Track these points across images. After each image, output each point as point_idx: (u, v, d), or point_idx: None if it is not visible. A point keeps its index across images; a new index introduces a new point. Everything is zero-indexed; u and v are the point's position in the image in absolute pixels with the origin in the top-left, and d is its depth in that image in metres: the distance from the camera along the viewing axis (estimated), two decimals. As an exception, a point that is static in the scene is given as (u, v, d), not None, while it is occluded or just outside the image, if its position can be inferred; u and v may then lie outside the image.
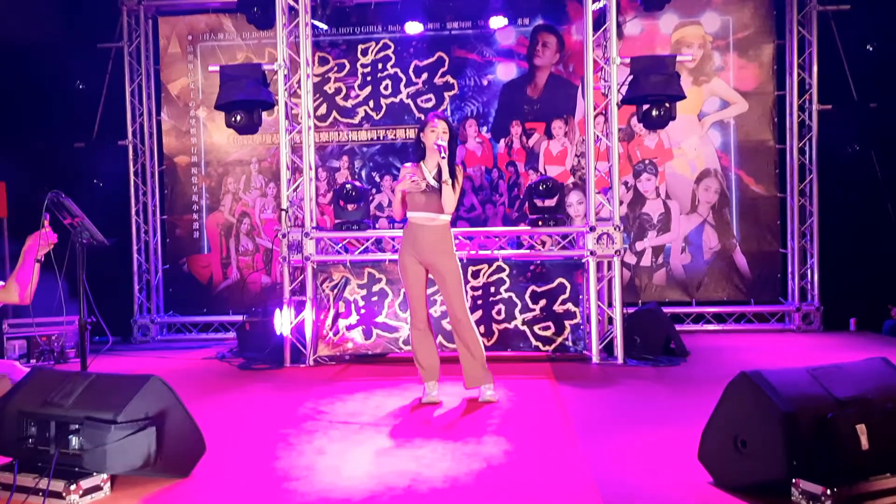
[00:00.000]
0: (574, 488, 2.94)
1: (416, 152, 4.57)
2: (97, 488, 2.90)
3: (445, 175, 4.32)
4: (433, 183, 4.39)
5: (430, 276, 4.57)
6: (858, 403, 2.68)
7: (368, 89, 8.02)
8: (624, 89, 6.03)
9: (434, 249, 4.43)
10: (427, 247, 4.43)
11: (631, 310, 6.53)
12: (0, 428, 3.08)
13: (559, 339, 6.04)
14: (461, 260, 4.64)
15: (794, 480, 2.64)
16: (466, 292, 6.04)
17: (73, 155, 7.98)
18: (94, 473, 2.89)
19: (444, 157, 4.31)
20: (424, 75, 7.95)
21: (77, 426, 2.91)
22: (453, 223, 5.81)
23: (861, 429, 2.62)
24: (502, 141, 7.95)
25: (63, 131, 7.96)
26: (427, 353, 4.54)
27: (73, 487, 2.81)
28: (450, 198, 4.36)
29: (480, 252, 6.22)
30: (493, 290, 6.13)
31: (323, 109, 8.02)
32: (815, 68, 7.65)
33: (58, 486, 2.80)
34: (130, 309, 8.21)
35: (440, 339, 5.94)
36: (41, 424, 2.97)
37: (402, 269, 4.53)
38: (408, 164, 4.56)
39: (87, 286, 3.97)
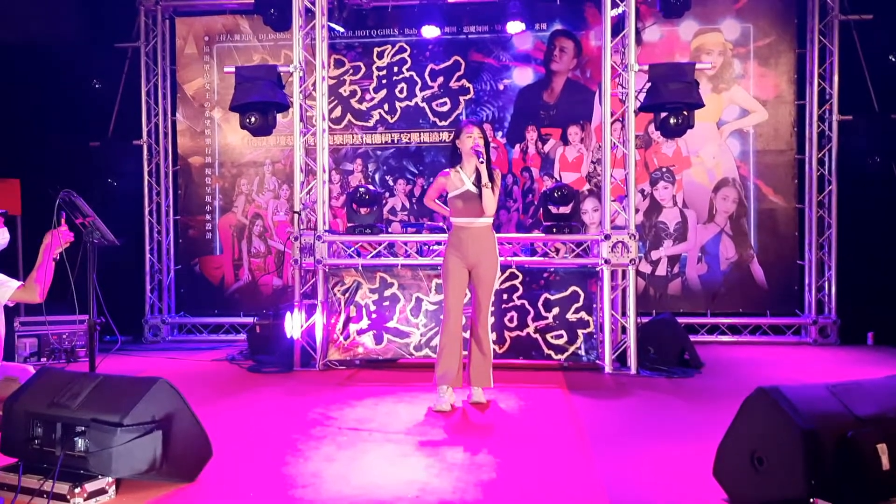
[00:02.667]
0: (585, 501, 2.88)
1: (452, 158, 4.72)
2: (102, 491, 2.87)
3: (485, 178, 4.46)
4: (472, 188, 4.54)
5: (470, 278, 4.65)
6: (879, 422, 2.62)
7: (384, 92, 7.99)
8: (642, 96, 5.98)
9: (479, 250, 4.58)
10: (472, 248, 4.57)
11: (645, 320, 6.45)
12: (7, 428, 3.08)
13: (572, 348, 5.97)
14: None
15: (811, 500, 2.57)
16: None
17: (88, 154, 7.98)
18: (100, 476, 2.87)
19: (482, 162, 4.46)
20: (440, 79, 7.92)
21: (83, 428, 2.89)
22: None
23: (882, 448, 2.55)
24: (517, 146, 7.90)
25: (79, 130, 7.97)
26: (453, 358, 4.56)
27: (77, 490, 2.79)
28: (490, 200, 4.50)
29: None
30: (505, 296, 6.07)
31: (337, 112, 8.00)
32: (835, 78, 7.54)
33: (62, 488, 2.78)
34: (142, 309, 8.22)
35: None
36: (47, 425, 2.96)
37: (446, 272, 4.62)
38: (447, 171, 4.68)
39: (98, 286, 3.95)
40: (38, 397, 3.05)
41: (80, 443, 2.88)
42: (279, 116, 6.51)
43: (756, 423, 2.75)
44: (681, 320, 6.66)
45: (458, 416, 4.39)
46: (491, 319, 4.70)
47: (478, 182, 4.51)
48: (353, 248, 6.44)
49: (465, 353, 4.69)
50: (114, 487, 2.92)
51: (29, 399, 3.06)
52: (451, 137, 4.75)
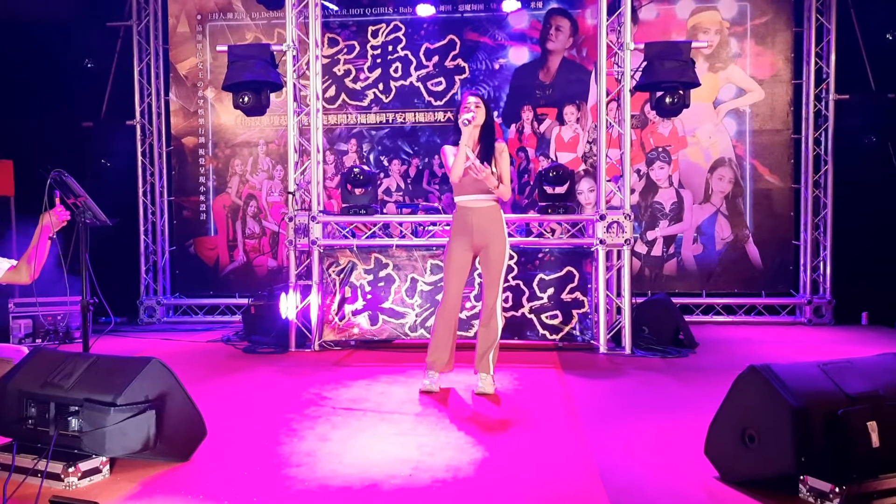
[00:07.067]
0: (578, 479, 2.90)
1: (455, 134, 4.37)
2: (96, 471, 2.88)
3: (492, 183, 4.16)
4: (478, 163, 4.20)
5: (476, 261, 4.45)
6: (870, 400, 2.63)
7: (378, 72, 7.93)
8: (638, 75, 5.94)
9: (487, 231, 4.30)
10: (480, 229, 4.30)
11: (640, 300, 6.46)
12: (0, 408, 3.07)
13: (566, 328, 5.99)
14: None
15: (801, 477, 2.59)
16: (474, 279, 6.00)
17: (81, 134, 7.95)
18: (94, 456, 2.87)
19: (470, 124, 4.14)
20: (435, 58, 7.86)
21: (77, 408, 2.89)
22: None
23: (872, 426, 2.56)
24: (513, 126, 7.86)
25: (71, 110, 7.92)
26: (445, 342, 4.41)
27: (71, 469, 2.79)
28: (506, 191, 4.27)
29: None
30: (500, 277, 6.06)
31: (332, 91, 7.95)
32: (832, 57, 7.51)
33: (56, 467, 2.78)
34: (137, 290, 8.21)
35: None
36: (41, 405, 2.96)
37: (449, 256, 4.36)
38: (448, 146, 4.36)
39: (91, 266, 3.93)
40: (31, 377, 3.05)
41: (74, 422, 2.88)
42: (273, 96, 6.45)
43: (747, 401, 2.76)
44: (676, 300, 6.69)
45: (451, 397, 4.40)
46: (504, 304, 4.41)
47: (481, 156, 4.23)
48: (347, 229, 6.43)
49: (467, 334, 4.58)
50: (108, 467, 2.92)
51: (22, 379, 3.06)
52: (453, 115, 4.42)
